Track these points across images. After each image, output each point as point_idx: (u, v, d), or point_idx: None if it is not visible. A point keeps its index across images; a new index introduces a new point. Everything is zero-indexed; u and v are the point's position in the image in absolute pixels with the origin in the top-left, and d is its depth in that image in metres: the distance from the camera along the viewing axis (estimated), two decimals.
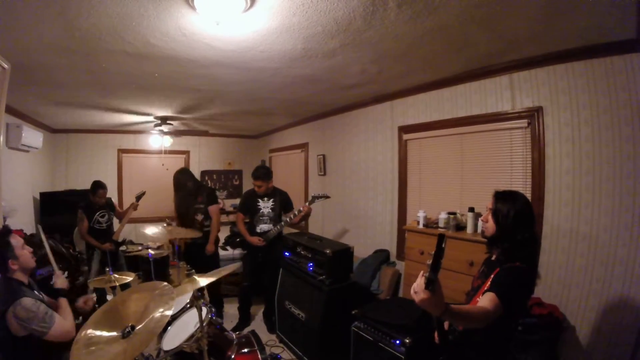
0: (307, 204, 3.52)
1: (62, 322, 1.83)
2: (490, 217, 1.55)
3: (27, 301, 1.76)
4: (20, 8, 1.76)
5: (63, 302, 2.01)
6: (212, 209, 3.95)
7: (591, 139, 2.26)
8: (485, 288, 1.45)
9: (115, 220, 4.28)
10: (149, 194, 4.35)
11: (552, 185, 2.46)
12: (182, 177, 3.97)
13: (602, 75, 2.20)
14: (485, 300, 1.31)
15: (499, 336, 1.34)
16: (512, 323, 1.44)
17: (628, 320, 2.07)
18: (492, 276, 1.46)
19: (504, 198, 1.54)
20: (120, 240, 4.18)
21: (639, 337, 2.01)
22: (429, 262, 1.11)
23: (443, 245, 1.11)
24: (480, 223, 2.61)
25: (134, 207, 4.11)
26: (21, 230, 3.72)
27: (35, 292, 1.97)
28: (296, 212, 3.52)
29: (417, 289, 1.13)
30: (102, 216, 4.02)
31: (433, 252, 1.10)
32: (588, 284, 2.26)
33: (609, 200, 2.17)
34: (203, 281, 1.93)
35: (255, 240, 3.67)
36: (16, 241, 1.92)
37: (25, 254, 1.92)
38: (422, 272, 1.15)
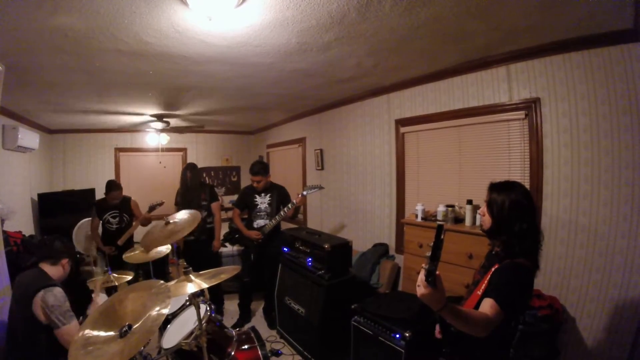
0: (300, 195, 3.50)
1: (77, 328, 1.86)
2: (486, 210, 1.51)
3: (59, 291, 1.89)
4: (12, 8, 1.73)
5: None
6: (215, 206, 3.98)
7: (589, 130, 2.25)
8: (484, 285, 1.41)
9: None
10: (147, 192, 4.30)
11: (550, 177, 2.45)
12: (191, 172, 3.98)
13: (600, 65, 2.18)
14: (486, 307, 1.28)
15: (499, 331, 1.33)
16: (512, 321, 1.41)
17: (628, 311, 2.08)
18: (491, 271, 1.44)
19: (499, 189, 1.49)
20: (121, 244, 3.87)
21: None
22: (428, 254, 1.10)
23: (442, 237, 1.10)
24: (478, 216, 2.63)
25: (145, 219, 3.89)
26: (20, 232, 3.71)
27: None
28: (290, 206, 3.52)
29: (420, 283, 1.14)
30: (114, 217, 3.90)
31: (432, 244, 1.10)
32: (587, 275, 2.26)
33: (608, 191, 2.17)
34: (201, 281, 1.92)
35: (253, 234, 3.67)
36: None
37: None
38: (422, 265, 1.14)
